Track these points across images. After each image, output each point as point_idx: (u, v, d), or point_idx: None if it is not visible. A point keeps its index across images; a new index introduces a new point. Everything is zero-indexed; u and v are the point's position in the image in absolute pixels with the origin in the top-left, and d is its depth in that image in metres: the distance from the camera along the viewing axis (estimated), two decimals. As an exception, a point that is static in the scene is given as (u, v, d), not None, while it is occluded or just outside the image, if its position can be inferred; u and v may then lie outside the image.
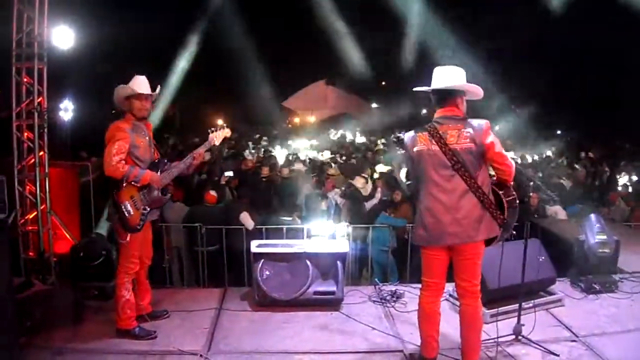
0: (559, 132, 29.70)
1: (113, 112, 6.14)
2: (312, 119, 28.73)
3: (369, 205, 10.86)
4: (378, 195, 11.20)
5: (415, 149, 4.94)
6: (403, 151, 5.37)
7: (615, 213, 11.68)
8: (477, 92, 5.08)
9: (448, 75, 4.97)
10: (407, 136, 5.06)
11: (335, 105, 25.39)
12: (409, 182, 5.23)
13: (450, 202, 4.84)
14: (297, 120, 31.42)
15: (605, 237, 7.40)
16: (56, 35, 8.10)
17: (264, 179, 13.19)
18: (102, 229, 9.10)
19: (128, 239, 5.90)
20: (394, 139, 5.49)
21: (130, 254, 5.96)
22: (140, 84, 5.95)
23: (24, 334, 5.81)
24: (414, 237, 5.14)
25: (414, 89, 5.28)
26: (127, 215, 5.82)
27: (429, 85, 5.06)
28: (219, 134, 6.42)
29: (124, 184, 5.81)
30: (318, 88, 25.06)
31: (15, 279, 6.62)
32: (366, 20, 26.70)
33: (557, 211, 10.47)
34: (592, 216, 7.74)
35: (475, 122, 4.87)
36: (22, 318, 5.84)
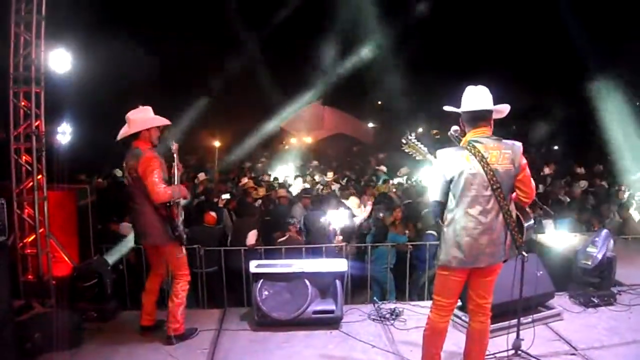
0: (556, 147, 29.74)
1: (117, 141, 6.30)
2: (308, 139, 28.80)
3: (357, 220, 10.92)
4: (367, 208, 11.28)
5: (454, 169, 4.84)
6: (418, 157, 5.40)
7: (610, 226, 11.69)
8: (504, 110, 5.10)
9: (482, 96, 4.97)
10: (443, 154, 4.94)
11: (332, 126, 25.47)
12: (435, 201, 5.12)
13: (487, 222, 4.80)
14: (293, 140, 31.44)
15: (595, 250, 7.43)
16: (53, 59, 8.13)
17: (259, 200, 13.22)
18: (115, 254, 9.09)
19: (184, 251, 6.46)
20: (404, 140, 5.46)
21: (182, 264, 6.47)
22: (153, 114, 6.37)
23: (23, 356, 5.82)
24: (443, 259, 4.95)
25: (446, 108, 5.19)
26: (181, 231, 6.25)
27: (457, 105, 5.08)
28: (174, 149, 6.67)
29: (171, 204, 6.17)
30: (315, 109, 25.17)
31: (15, 302, 6.63)
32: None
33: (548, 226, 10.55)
34: (604, 232, 7.74)
35: (510, 142, 4.90)
36: (21, 341, 5.86)
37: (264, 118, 26.00)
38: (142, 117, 6.26)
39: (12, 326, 5.58)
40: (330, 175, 16.97)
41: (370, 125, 33.45)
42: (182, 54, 25.45)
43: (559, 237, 9.37)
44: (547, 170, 18.65)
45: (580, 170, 19.44)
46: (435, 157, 5.12)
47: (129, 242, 8.14)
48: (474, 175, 4.78)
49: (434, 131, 32.67)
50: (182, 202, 6.54)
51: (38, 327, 6.15)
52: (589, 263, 7.41)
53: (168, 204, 6.12)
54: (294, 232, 9.80)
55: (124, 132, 6.26)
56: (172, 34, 25.44)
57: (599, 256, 7.40)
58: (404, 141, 5.43)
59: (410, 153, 5.43)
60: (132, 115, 6.26)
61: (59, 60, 8.22)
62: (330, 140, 28.19)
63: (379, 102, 38.76)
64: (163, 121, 6.39)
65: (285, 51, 28.88)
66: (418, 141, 5.40)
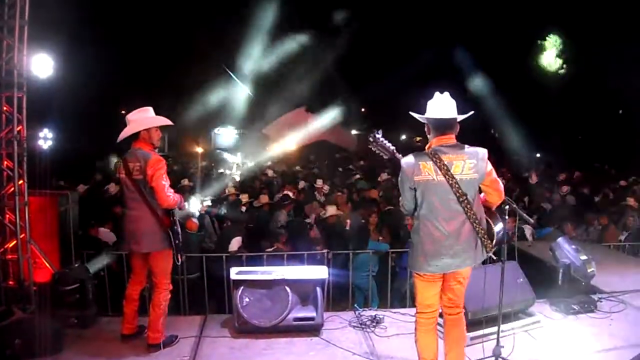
0: (538, 155, 29.95)
1: (117, 142, 6.25)
2: (291, 145, 28.82)
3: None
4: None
5: (418, 178, 4.89)
6: (385, 156, 5.41)
7: (593, 234, 11.80)
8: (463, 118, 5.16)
9: (447, 105, 5.03)
10: (406, 163, 4.98)
11: (315, 132, 25.48)
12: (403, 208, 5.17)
13: (451, 230, 4.90)
14: (275, 146, 31.45)
15: (585, 256, 7.49)
16: (35, 64, 8.11)
17: (244, 206, 13.22)
18: (97, 263, 9.06)
19: (184, 257, 6.48)
20: (371, 138, 5.45)
21: (170, 272, 6.36)
22: (154, 114, 6.32)
23: (3, 363, 5.80)
24: (413, 264, 5.10)
25: (412, 114, 5.26)
26: (180, 237, 6.22)
27: (421, 112, 5.13)
28: None
29: (172, 211, 6.19)
30: (298, 115, 25.18)
31: (-5, 308, 6.62)
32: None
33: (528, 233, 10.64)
34: (560, 240, 7.84)
35: (473, 150, 4.97)
36: (1, 347, 5.83)
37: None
38: (142, 117, 6.20)
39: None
40: (320, 182, 16.98)
41: (354, 132, 33.55)
42: (163, 58, 25.48)
43: (539, 244, 9.45)
44: (533, 178, 18.73)
45: (563, 177, 19.52)
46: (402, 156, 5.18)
47: (110, 248, 8.11)
48: (438, 185, 4.87)
49: (417, 139, 32.83)
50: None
51: (18, 333, 6.12)
52: (593, 268, 7.50)
53: (172, 210, 6.13)
54: (282, 243, 9.82)
55: (124, 133, 6.19)
56: (153, 38, 25.46)
57: (591, 258, 7.51)
58: (370, 139, 5.42)
59: (377, 152, 5.43)
60: (131, 116, 6.21)
61: (41, 65, 8.19)
62: (313, 146, 28.20)
63: (363, 110, 38.98)
64: (163, 121, 6.33)
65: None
66: (385, 140, 5.40)
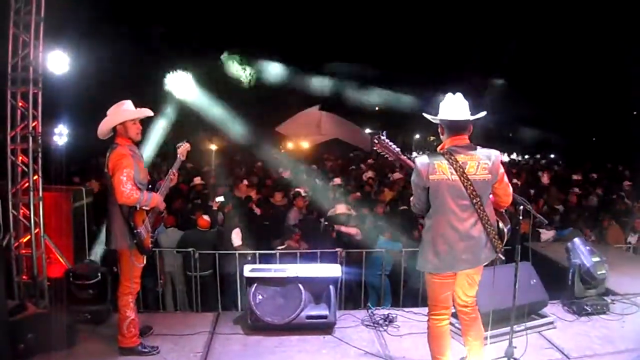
0: (552, 155, 29.83)
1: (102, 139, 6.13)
2: (305, 144, 28.76)
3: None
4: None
5: (432, 177, 4.89)
6: (390, 157, 5.40)
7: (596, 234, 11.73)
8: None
9: (460, 105, 5.03)
10: (421, 162, 4.97)
11: (328, 131, 25.40)
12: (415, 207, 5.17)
13: (464, 230, 4.91)
14: (290, 145, 31.35)
15: (599, 258, 7.44)
16: (51, 60, 8.14)
17: (257, 205, 13.20)
18: (96, 254, 9.11)
19: (144, 261, 6.20)
20: (375, 139, 5.42)
21: (135, 275, 6.12)
22: (132, 107, 6.12)
23: (17, 357, 5.81)
24: (423, 265, 5.10)
25: (425, 115, 5.28)
26: (142, 239, 5.95)
27: (434, 113, 5.13)
28: (183, 149, 6.56)
29: (136, 209, 5.92)
30: (312, 113, 25.11)
31: (9, 302, 6.64)
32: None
33: (545, 234, 10.58)
34: (577, 240, 7.79)
35: (488, 152, 4.99)
36: (15, 341, 5.85)
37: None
38: (115, 112, 6.05)
39: (6, 326, 5.57)
40: (337, 180, 16.94)
41: (368, 131, 33.47)
42: (178, 54, 25.49)
43: (553, 246, 9.40)
44: (545, 179, 18.62)
45: (577, 178, 19.40)
46: (411, 159, 5.18)
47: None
48: (452, 185, 4.87)
49: (431, 138, 32.78)
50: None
51: (31, 328, 6.14)
52: (604, 272, 7.43)
53: (132, 208, 5.89)
54: (294, 241, 9.81)
55: (101, 129, 6.07)
56: (171, 34, 25.53)
57: (604, 261, 7.45)
58: (375, 141, 5.40)
59: (381, 153, 5.41)
60: (109, 110, 6.08)
61: (57, 62, 8.23)
62: (326, 145, 28.13)
63: (377, 108, 38.91)
64: (137, 113, 6.09)
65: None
66: (390, 141, 5.38)
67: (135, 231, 5.87)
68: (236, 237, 9.80)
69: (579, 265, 7.43)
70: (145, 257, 6.22)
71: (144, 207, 5.98)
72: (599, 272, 7.40)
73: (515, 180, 15.61)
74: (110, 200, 5.97)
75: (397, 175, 18.21)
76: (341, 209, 11.45)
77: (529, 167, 24.44)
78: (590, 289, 7.44)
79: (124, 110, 6.06)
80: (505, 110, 25.17)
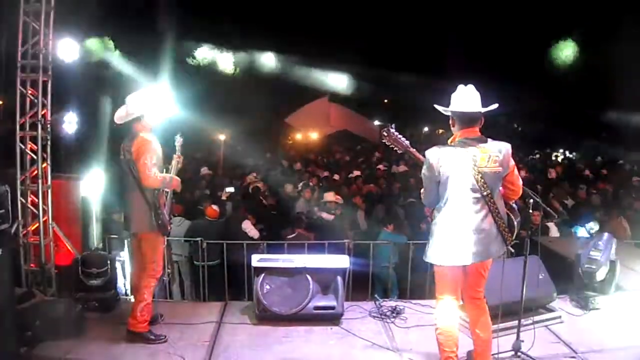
0: (561, 150, 29.69)
1: (116, 126, 6.19)
2: (314, 135, 28.76)
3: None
4: None
5: (443, 170, 4.89)
6: (399, 150, 5.39)
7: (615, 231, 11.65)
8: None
9: (472, 97, 5.02)
10: (431, 154, 4.96)
11: (337, 123, 25.37)
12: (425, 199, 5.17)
13: (475, 223, 4.89)
14: (299, 136, 31.36)
15: (598, 254, 7.41)
16: (61, 48, 8.14)
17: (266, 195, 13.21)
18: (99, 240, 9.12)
19: (165, 243, 6.43)
20: (385, 132, 5.41)
21: (159, 258, 6.28)
22: (154, 97, 6.32)
23: (24, 344, 5.83)
24: (432, 256, 5.07)
25: (437, 107, 5.24)
26: (166, 220, 6.12)
27: (445, 104, 5.12)
28: (177, 144, 6.60)
29: (159, 192, 6.10)
30: (321, 105, 25.07)
31: (17, 290, 6.65)
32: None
33: (552, 229, 10.54)
34: (607, 235, 7.73)
35: (498, 144, 4.96)
36: (22, 328, 5.86)
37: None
38: (140, 100, 6.18)
39: (13, 314, 5.58)
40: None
41: (377, 123, 33.44)
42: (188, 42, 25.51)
43: (561, 239, 9.37)
44: (553, 174, 18.55)
45: (587, 173, 19.31)
46: (421, 153, 5.17)
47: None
48: (463, 177, 4.86)
49: (440, 131, 32.66)
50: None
51: (39, 316, 6.16)
52: (593, 267, 7.39)
53: (156, 191, 6.06)
54: (303, 229, 9.81)
55: (121, 115, 6.20)
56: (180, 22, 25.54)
57: (602, 260, 7.39)
58: (384, 133, 5.39)
59: (390, 146, 5.40)
60: (130, 98, 6.19)
61: (67, 50, 8.22)
62: (335, 136, 28.12)
63: (386, 101, 38.85)
64: (161, 105, 6.34)
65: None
66: (399, 134, 5.37)
67: (159, 211, 6.02)
68: (250, 227, 9.82)
69: (611, 261, 7.42)
70: (165, 239, 6.41)
71: (165, 190, 6.15)
72: (586, 266, 7.40)
73: (524, 174, 15.53)
74: (128, 186, 6.10)
75: (401, 167, 18.20)
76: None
77: (537, 162, 24.32)
78: (597, 284, 7.42)
79: (150, 101, 6.21)
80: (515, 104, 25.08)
